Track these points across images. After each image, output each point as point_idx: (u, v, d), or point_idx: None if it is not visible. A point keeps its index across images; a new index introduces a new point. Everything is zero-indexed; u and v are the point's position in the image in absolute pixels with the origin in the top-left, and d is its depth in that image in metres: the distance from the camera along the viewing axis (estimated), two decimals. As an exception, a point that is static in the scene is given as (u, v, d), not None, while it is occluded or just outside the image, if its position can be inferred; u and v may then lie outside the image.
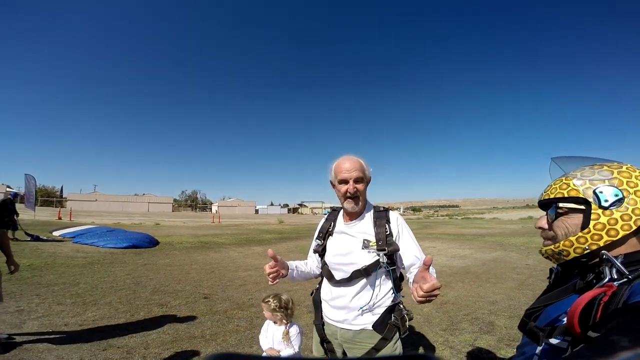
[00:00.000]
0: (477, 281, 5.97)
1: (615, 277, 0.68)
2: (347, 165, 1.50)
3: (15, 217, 9.85)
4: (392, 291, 1.54)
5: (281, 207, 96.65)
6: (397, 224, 1.55)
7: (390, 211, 1.61)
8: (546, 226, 0.90)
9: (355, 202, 1.51)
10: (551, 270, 0.95)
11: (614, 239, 0.73)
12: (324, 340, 1.63)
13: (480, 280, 6.01)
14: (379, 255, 1.47)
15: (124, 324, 3.67)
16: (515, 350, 0.93)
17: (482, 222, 29.22)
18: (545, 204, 0.91)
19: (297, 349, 2.09)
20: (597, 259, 0.76)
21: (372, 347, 1.48)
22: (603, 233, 0.74)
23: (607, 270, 0.70)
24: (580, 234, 0.78)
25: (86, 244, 9.64)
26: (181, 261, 7.92)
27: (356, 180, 1.49)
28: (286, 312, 2.13)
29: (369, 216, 1.58)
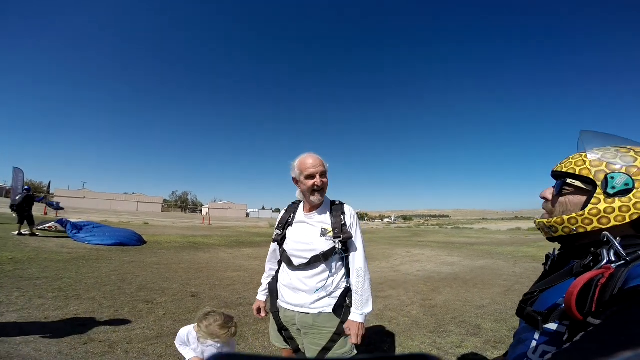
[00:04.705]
0: (465, 287, 6.00)
1: (613, 259, 0.66)
2: (310, 161, 1.64)
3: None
4: (345, 276, 1.70)
5: (273, 211, 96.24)
6: (351, 216, 1.72)
7: (345, 205, 1.76)
8: (549, 197, 0.87)
9: (321, 194, 1.67)
10: (547, 256, 0.92)
11: (603, 227, 0.72)
12: (282, 328, 1.73)
13: (468, 286, 6.04)
14: (334, 242, 1.62)
15: (107, 319, 3.57)
16: (507, 345, 0.91)
17: (471, 232, 29.51)
18: (557, 175, 0.87)
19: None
20: (596, 240, 0.73)
21: (334, 332, 1.60)
22: (595, 219, 0.73)
23: (604, 252, 0.68)
24: (573, 214, 0.76)
25: (73, 239, 9.45)
26: (169, 260, 7.79)
27: (321, 175, 1.64)
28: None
29: (326, 208, 1.74)
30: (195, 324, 1.95)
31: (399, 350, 3.13)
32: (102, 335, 3.11)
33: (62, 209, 10.41)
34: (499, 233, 27.32)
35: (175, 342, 2.05)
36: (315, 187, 1.62)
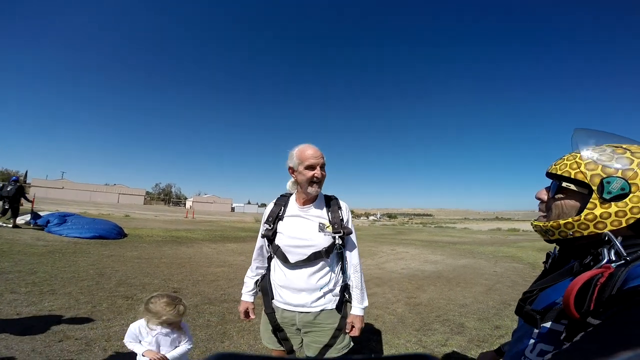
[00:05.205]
0: (448, 285, 6.10)
1: (614, 258, 0.65)
2: (311, 152, 1.58)
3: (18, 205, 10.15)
4: (342, 271, 1.68)
5: (258, 206, 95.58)
6: (347, 211, 1.71)
7: (339, 199, 1.74)
8: (545, 198, 0.86)
9: (319, 186, 1.61)
10: (548, 254, 0.91)
11: (599, 231, 0.71)
12: (277, 329, 1.65)
13: (451, 285, 6.14)
14: (334, 237, 1.59)
15: (84, 315, 3.44)
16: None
17: (453, 231, 30.07)
18: (551, 176, 0.85)
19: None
20: (596, 239, 0.72)
21: (336, 328, 1.58)
22: (591, 224, 0.72)
23: (605, 251, 0.67)
24: (569, 219, 0.75)
25: (48, 232, 9.09)
26: (150, 254, 7.60)
27: (321, 167, 1.60)
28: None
29: (322, 202, 1.70)
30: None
31: (385, 349, 3.13)
32: (78, 332, 2.99)
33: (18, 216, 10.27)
34: (480, 233, 27.98)
35: (124, 340, 1.86)
36: (315, 178, 1.56)
